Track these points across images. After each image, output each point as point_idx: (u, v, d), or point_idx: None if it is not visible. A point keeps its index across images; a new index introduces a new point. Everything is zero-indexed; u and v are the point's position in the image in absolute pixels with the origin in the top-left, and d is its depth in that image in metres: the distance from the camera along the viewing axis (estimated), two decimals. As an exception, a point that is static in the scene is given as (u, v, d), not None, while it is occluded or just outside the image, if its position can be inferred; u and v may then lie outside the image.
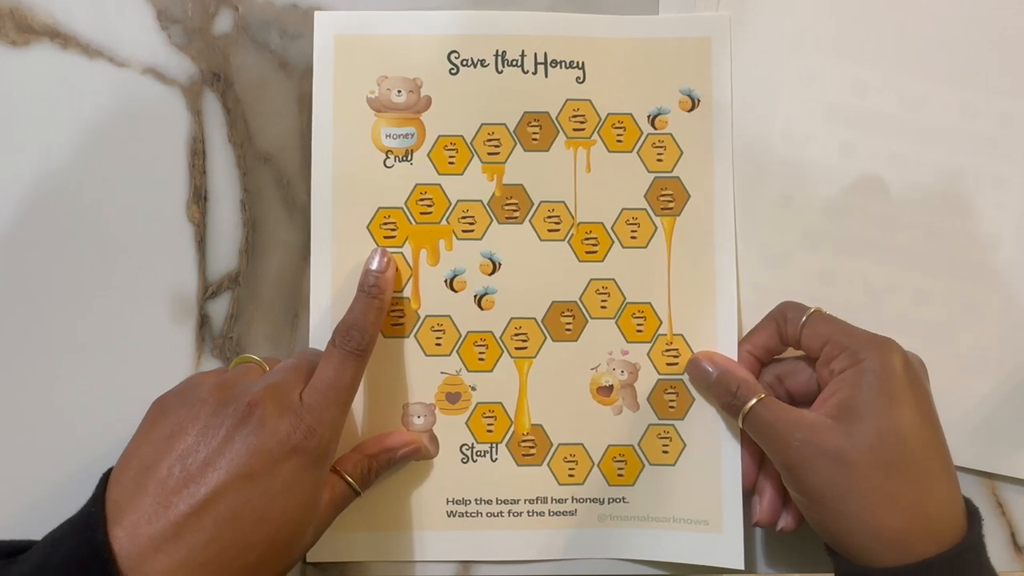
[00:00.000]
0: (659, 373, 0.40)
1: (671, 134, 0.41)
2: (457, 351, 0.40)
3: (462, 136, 0.40)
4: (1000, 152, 0.41)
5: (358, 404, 0.40)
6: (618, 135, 0.41)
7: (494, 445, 0.40)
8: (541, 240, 0.40)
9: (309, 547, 0.35)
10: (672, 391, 0.40)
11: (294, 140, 0.41)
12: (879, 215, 0.41)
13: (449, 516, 0.40)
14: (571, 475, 0.40)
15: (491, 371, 0.40)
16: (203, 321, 0.41)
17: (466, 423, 0.40)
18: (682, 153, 0.41)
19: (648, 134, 0.41)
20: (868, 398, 0.34)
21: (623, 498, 0.40)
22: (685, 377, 0.40)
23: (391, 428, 0.40)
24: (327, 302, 0.40)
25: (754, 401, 0.36)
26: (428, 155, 0.40)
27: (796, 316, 0.37)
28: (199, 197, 0.41)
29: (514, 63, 0.41)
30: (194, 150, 0.41)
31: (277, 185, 0.41)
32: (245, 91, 0.41)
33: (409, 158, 0.40)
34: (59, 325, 0.40)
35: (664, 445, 0.40)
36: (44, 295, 0.40)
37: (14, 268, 0.40)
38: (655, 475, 0.40)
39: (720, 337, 0.40)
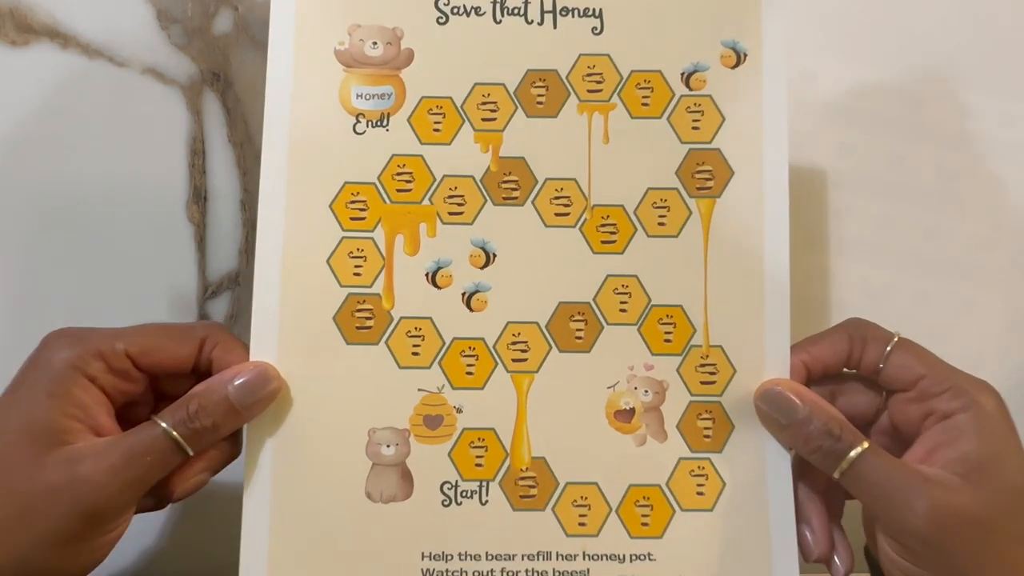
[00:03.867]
0: (692, 394, 0.37)
1: (710, 96, 0.37)
2: (439, 362, 0.36)
3: (451, 98, 0.37)
4: (1000, 152, 0.43)
5: (310, 430, 0.36)
6: (643, 97, 0.37)
7: (484, 483, 0.36)
8: (546, 226, 0.37)
9: (103, 517, 0.32)
10: (708, 416, 0.36)
11: (294, 141, 0.44)
12: (879, 215, 0.43)
13: (425, 575, 0.35)
14: (582, 524, 0.36)
15: (482, 388, 0.36)
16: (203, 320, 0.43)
17: (449, 455, 0.36)
18: (724, 120, 0.37)
19: (681, 96, 0.38)
20: (995, 452, 0.32)
21: (649, 554, 0.36)
22: (723, 399, 0.36)
23: (352, 459, 0.36)
24: (272, 300, 0.36)
25: (860, 450, 0.33)
26: (408, 120, 0.37)
27: (880, 340, 0.35)
28: (199, 197, 0.42)
29: (516, 11, 0.37)
30: (194, 150, 0.42)
31: (278, 185, 0.43)
32: (245, 91, 0.43)
33: (385, 123, 0.37)
34: (59, 325, 0.40)
35: (699, 484, 0.36)
36: (44, 295, 0.42)
37: (14, 268, 0.42)
38: (688, 523, 0.36)
39: (768, 349, 0.36)
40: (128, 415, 0.34)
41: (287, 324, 0.35)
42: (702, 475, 0.36)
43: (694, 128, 0.37)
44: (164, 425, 0.32)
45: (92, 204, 0.42)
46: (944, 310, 0.43)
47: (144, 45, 0.42)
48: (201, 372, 0.35)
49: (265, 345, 0.35)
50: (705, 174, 0.37)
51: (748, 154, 0.37)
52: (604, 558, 0.36)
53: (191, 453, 0.33)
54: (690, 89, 0.38)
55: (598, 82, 0.37)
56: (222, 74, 0.43)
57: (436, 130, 0.37)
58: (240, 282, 0.42)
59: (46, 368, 0.32)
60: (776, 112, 0.37)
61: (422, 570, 0.35)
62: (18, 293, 0.42)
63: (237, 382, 0.34)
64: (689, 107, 0.37)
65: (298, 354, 0.35)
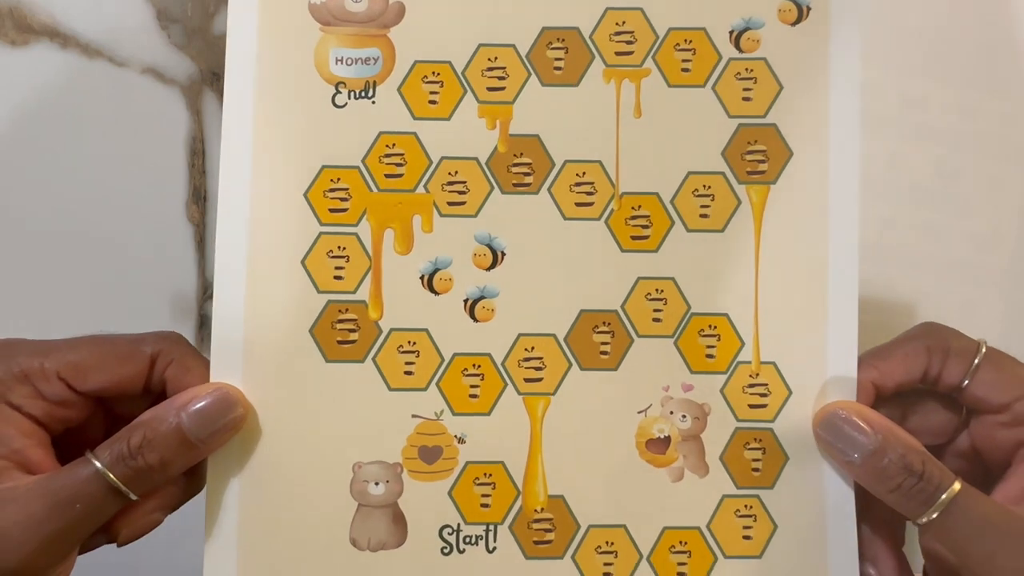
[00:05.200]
0: (738, 419, 0.34)
1: (765, 59, 0.34)
2: (437, 383, 0.34)
3: (449, 62, 0.34)
4: (1000, 152, 0.44)
5: (283, 465, 0.33)
6: (684, 61, 0.34)
7: (492, 527, 0.34)
8: (565, 218, 0.34)
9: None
10: (757, 446, 0.34)
11: (295, 140, 0.45)
12: (880, 215, 0.44)
13: (422, 637, 0.32)
14: (608, 574, 0.34)
15: (488, 414, 0.34)
16: (203, 321, 0.44)
17: (450, 494, 0.34)
18: (781, 88, 0.34)
19: (730, 59, 0.35)
20: None
21: (687, 609, 0.33)
22: (775, 425, 0.34)
23: (335, 499, 0.33)
24: (237, 310, 0.33)
25: (951, 492, 0.29)
26: (399, 90, 0.34)
27: (964, 352, 0.32)
28: (199, 197, 0.44)
29: (528, -44, 0.34)
30: (194, 150, 0.44)
31: (278, 185, 0.45)
32: (245, 91, 0.45)
33: (370, 93, 0.34)
34: (59, 325, 0.42)
35: (746, 527, 0.34)
36: (44, 295, 0.43)
37: (14, 267, 0.44)
38: (733, 572, 0.34)
39: (831, 367, 0.34)
40: (77, 442, 0.30)
41: (254, 338, 0.32)
42: (749, 516, 0.34)
43: (745, 99, 0.34)
44: (98, 464, 0.28)
45: (92, 204, 0.44)
46: (944, 310, 0.44)
47: (144, 45, 0.44)
48: (156, 394, 0.30)
49: (228, 364, 0.31)
50: (758, 155, 0.34)
51: (811, 131, 0.34)
52: (635, 616, 0.32)
53: (133, 497, 0.28)
54: (740, 51, 0.34)
55: (628, 43, 0.34)
56: (222, 74, 0.46)
57: (432, 102, 0.34)
58: (241, 283, 0.45)
59: None
60: (846, 80, 0.34)
61: None
62: (17, 293, 0.43)
63: (192, 408, 0.29)
64: (739, 73, 0.34)
65: (268, 374, 0.32)
